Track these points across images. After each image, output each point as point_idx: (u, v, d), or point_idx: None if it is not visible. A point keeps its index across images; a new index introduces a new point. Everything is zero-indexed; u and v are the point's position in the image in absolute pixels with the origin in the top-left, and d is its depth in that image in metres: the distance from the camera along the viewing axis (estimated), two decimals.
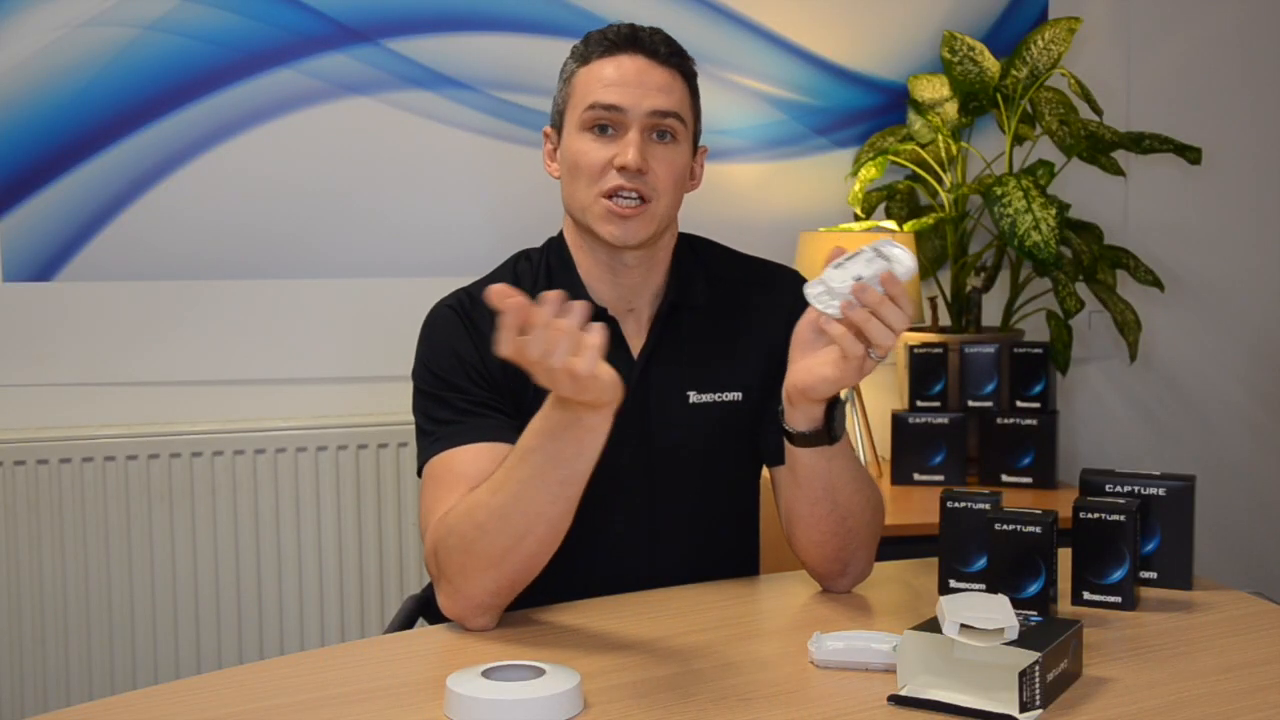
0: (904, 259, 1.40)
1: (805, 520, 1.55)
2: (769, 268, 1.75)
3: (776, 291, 1.69)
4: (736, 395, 1.65)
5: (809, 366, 1.44)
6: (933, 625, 1.27)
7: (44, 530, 2.45)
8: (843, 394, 1.51)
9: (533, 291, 1.64)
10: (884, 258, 1.40)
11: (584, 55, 1.62)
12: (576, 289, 1.64)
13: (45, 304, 2.53)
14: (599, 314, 1.64)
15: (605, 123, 1.58)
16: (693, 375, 1.64)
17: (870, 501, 1.58)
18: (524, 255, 1.71)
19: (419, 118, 2.66)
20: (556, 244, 1.70)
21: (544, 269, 1.67)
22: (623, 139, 1.57)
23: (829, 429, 1.48)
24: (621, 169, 1.56)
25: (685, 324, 1.66)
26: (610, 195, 1.57)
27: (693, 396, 1.64)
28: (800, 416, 1.48)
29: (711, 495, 1.67)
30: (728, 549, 1.72)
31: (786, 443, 1.51)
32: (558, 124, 1.65)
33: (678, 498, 1.64)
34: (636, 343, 1.65)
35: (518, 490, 1.40)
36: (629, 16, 2.71)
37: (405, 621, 1.78)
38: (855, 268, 1.40)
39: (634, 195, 1.57)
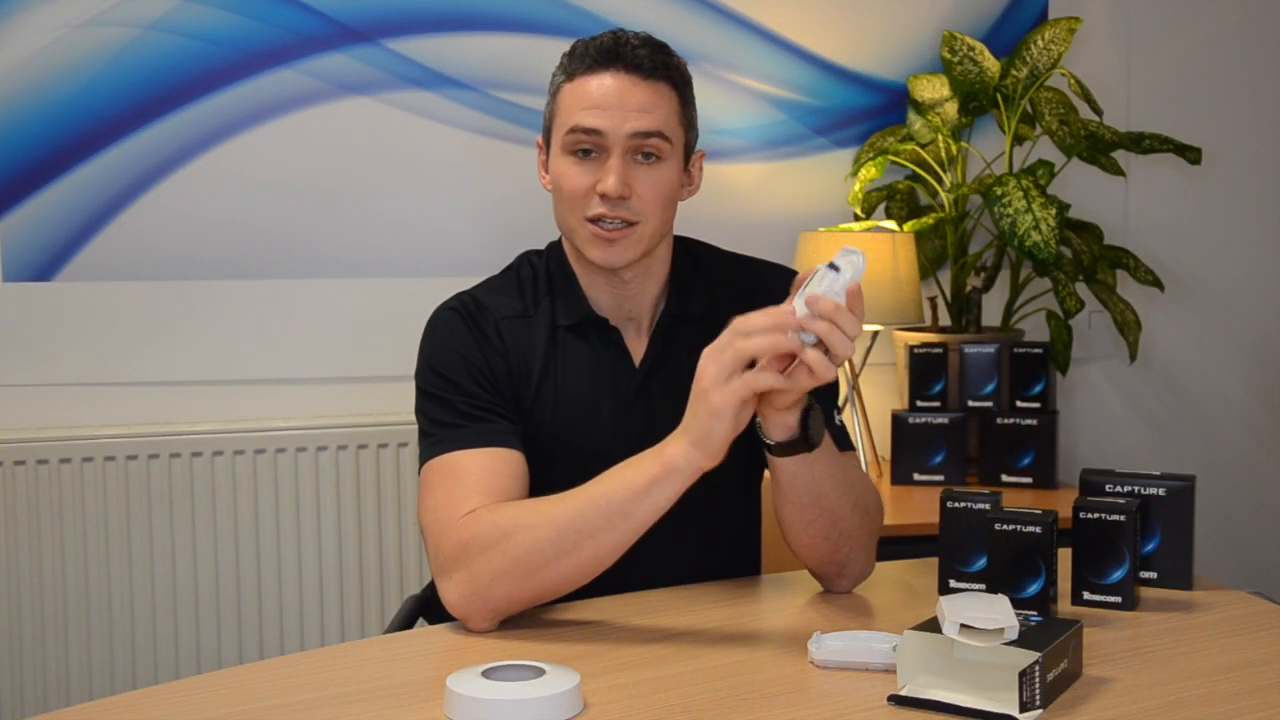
0: (855, 261, 1.37)
1: (794, 525, 1.55)
2: (765, 269, 1.74)
3: (773, 293, 1.68)
4: None
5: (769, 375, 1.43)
6: (933, 625, 1.27)
7: (44, 530, 2.45)
8: (841, 399, 1.51)
9: (534, 296, 1.65)
10: (834, 269, 1.37)
11: (569, 69, 1.60)
12: (577, 297, 1.65)
13: (45, 304, 2.53)
14: (599, 324, 1.64)
15: (587, 146, 1.56)
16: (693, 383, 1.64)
17: (861, 503, 1.57)
18: (528, 259, 1.71)
19: (419, 118, 2.66)
20: (558, 250, 1.69)
21: (545, 275, 1.67)
22: (605, 164, 1.55)
23: (806, 436, 1.47)
24: (603, 196, 1.55)
25: (685, 332, 1.66)
26: (595, 220, 1.56)
27: None
28: (775, 426, 1.47)
29: (713, 499, 1.66)
30: (729, 550, 1.72)
31: (767, 453, 1.50)
32: (547, 138, 1.64)
33: (680, 503, 1.64)
34: (637, 351, 1.65)
35: (583, 505, 1.41)
36: (629, 16, 2.73)
37: (405, 621, 1.78)
38: (815, 290, 1.37)
39: (618, 220, 1.56)
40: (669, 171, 1.59)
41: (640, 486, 1.40)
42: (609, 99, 1.55)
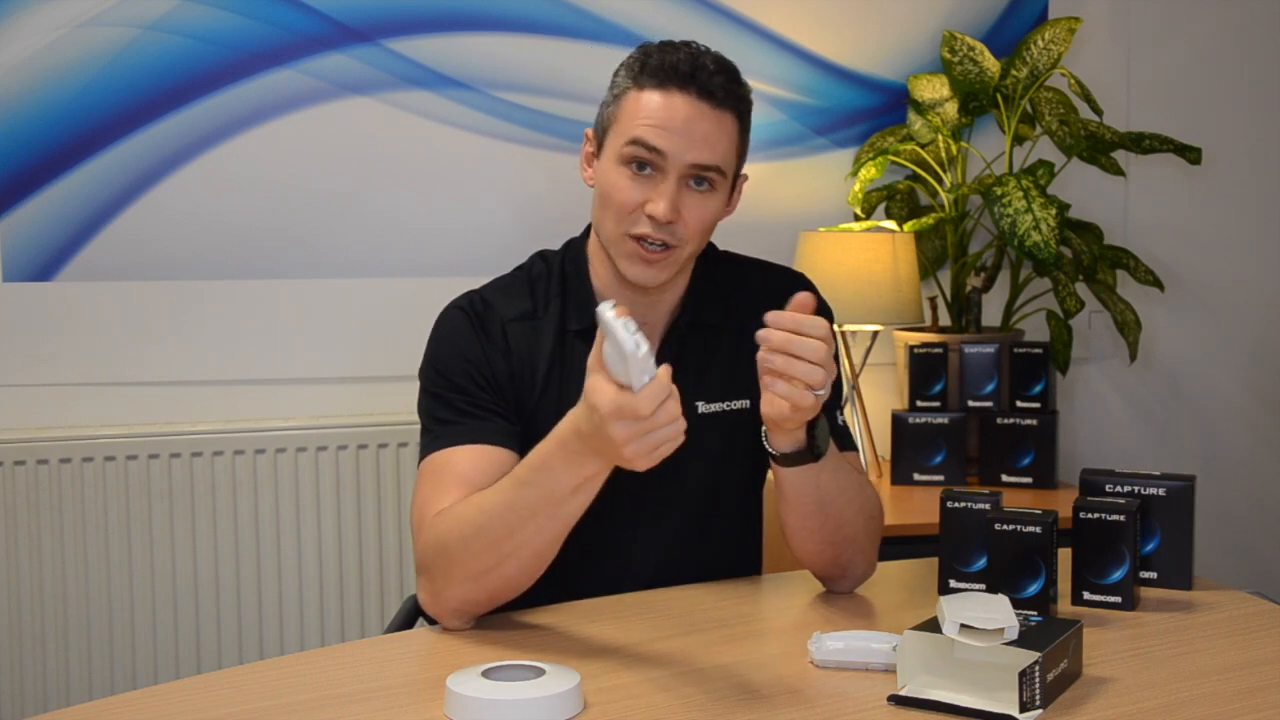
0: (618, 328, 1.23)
1: (799, 533, 1.55)
2: (775, 272, 1.74)
3: (782, 297, 1.68)
4: (744, 403, 1.64)
5: (770, 400, 1.42)
6: (933, 625, 1.27)
7: (44, 530, 2.45)
8: (841, 399, 1.51)
9: (545, 298, 1.64)
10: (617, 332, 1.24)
11: (639, 76, 1.55)
12: (589, 299, 1.63)
13: (45, 304, 2.53)
14: None
15: (645, 161, 1.53)
16: (701, 386, 1.64)
17: (864, 508, 1.58)
18: (540, 257, 1.69)
19: (419, 118, 2.66)
20: (575, 249, 1.67)
21: (559, 275, 1.65)
22: (659, 185, 1.53)
23: (812, 448, 1.48)
24: (651, 217, 1.53)
25: (696, 340, 1.65)
26: (638, 238, 1.54)
27: (701, 407, 1.63)
28: (783, 439, 1.47)
29: (717, 500, 1.67)
30: (731, 551, 1.72)
31: (773, 462, 1.50)
32: (600, 135, 1.60)
33: (683, 503, 1.64)
34: None
35: (507, 517, 1.40)
36: (630, 17, 2.73)
37: (405, 621, 1.78)
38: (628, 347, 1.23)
39: (660, 243, 1.54)
40: (717, 201, 1.58)
41: (566, 492, 1.37)
42: (676, 122, 1.52)
